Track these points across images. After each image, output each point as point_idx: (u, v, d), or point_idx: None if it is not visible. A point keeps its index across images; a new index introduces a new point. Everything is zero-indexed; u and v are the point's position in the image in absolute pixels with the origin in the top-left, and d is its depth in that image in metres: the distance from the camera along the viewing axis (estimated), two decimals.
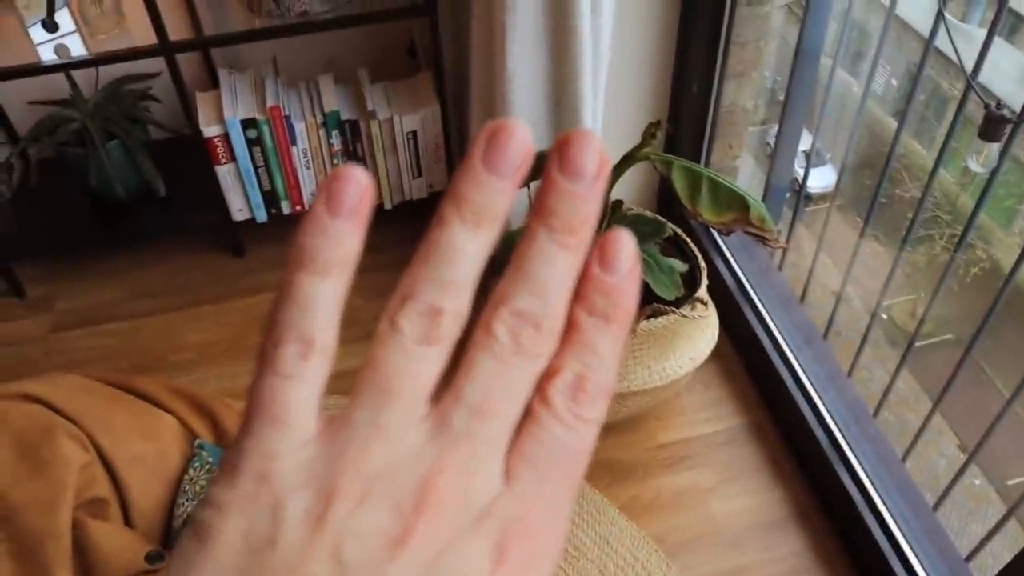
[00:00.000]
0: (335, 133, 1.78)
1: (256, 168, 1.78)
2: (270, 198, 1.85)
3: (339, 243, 0.20)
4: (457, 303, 0.20)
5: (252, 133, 1.73)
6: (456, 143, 1.88)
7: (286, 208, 1.88)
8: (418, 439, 0.19)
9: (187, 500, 1.16)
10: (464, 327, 0.20)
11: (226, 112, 1.71)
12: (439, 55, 1.72)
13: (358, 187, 0.20)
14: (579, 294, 0.20)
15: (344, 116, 1.76)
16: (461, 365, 0.20)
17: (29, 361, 1.82)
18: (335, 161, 1.82)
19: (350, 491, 0.18)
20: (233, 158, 1.76)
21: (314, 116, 1.76)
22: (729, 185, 1.31)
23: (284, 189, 1.84)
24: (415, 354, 0.19)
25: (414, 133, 1.79)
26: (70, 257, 2.06)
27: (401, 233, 2.00)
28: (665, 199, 1.93)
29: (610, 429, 1.58)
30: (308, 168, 1.82)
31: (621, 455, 1.55)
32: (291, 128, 1.75)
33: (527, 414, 0.20)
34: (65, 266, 2.04)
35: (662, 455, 1.56)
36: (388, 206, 1.89)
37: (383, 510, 0.18)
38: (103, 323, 1.89)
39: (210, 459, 1.19)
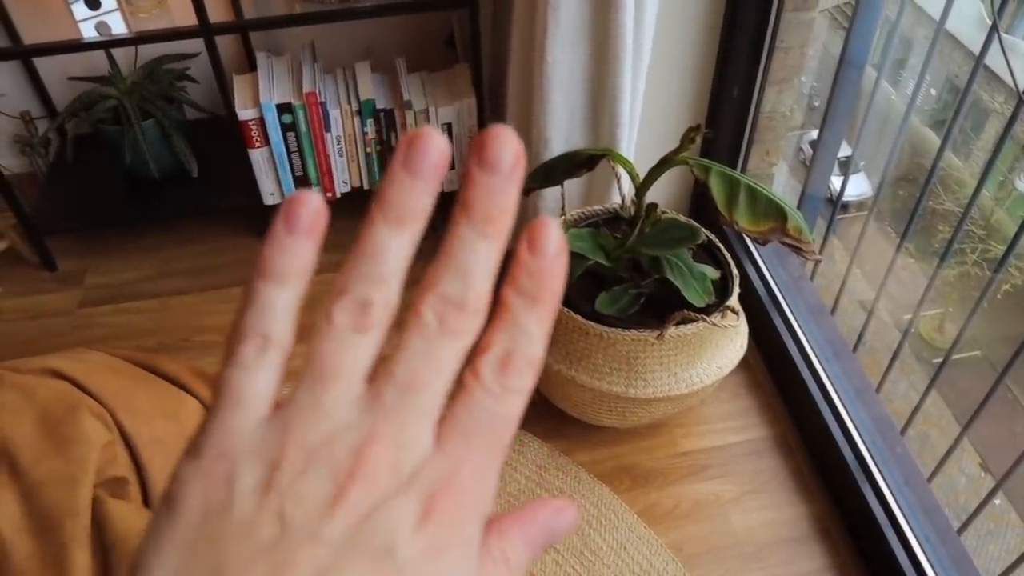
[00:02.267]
0: (370, 121, 1.77)
1: (289, 153, 1.78)
2: (302, 184, 1.84)
3: (294, 257, 0.22)
4: (385, 295, 0.22)
5: (287, 118, 1.72)
6: None
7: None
8: (354, 414, 0.21)
9: None
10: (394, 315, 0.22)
11: (262, 96, 1.71)
12: (478, 47, 1.71)
13: (311, 210, 0.22)
14: (509, 277, 0.22)
15: (380, 105, 1.75)
16: (393, 347, 0.22)
17: (57, 334, 1.83)
18: (368, 149, 1.82)
19: (293, 461, 0.20)
20: (267, 142, 1.76)
21: (349, 103, 1.75)
22: (767, 194, 1.29)
23: (316, 175, 1.83)
24: (349, 341, 0.21)
25: (449, 125, 1.78)
26: (101, 233, 2.07)
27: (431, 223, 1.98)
28: (698, 204, 1.90)
29: (632, 434, 1.56)
30: (341, 155, 1.81)
31: (642, 460, 1.54)
32: (326, 115, 1.74)
33: (458, 385, 0.22)
34: (96, 242, 2.05)
35: (684, 463, 1.54)
36: None
37: (320, 477, 0.20)
38: (131, 300, 1.90)
39: None
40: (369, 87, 1.77)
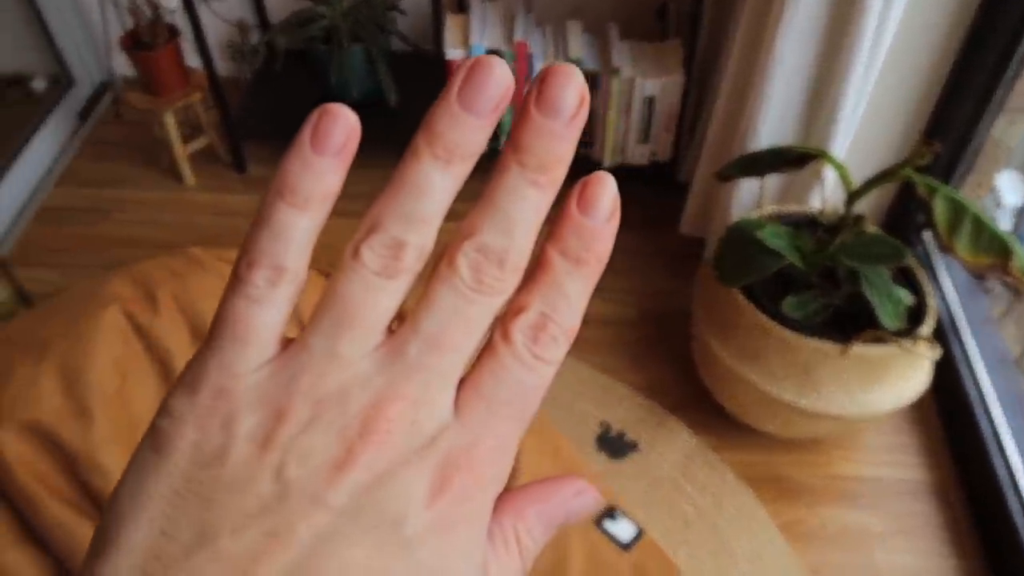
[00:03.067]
0: None
1: None
2: (496, 131, 1.85)
3: (320, 179, 0.20)
4: (421, 238, 0.20)
5: None
6: (690, 118, 1.82)
7: (502, 144, 1.87)
8: (371, 367, 0.19)
9: None
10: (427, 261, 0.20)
11: (472, 38, 1.72)
12: (696, 25, 1.66)
13: (345, 126, 0.20)
14: (554, 234, 0.20)
15: (586, 66, 1.73)
16: (421, 297, 0.20)
17: (239, 233, 1.91)
18: None
19: (299, 413, 0.18)
20: None
21: (556, 59, 1.73)
22: (993, 227, 1.20)
23: (508, 125, 1.83)
24: (375, 285, 0.19)
25: (652, 99, 1.74)
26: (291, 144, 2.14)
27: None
28: (897, 219, 1.80)
29: (788, 445, 1.51)
30: None
31: (793, 474, 1.48)
32: (531, 67, 1.73)
33: (486, 348, 0.20)
34: (285, 150, 2.12)
35: (835, 486, 1.48)
36: (606, 164, 1.86)
37: (329, 434, 0.18)
38: None
39: None
40: (578, 47, 1.75)
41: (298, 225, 0.19)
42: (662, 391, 1.60)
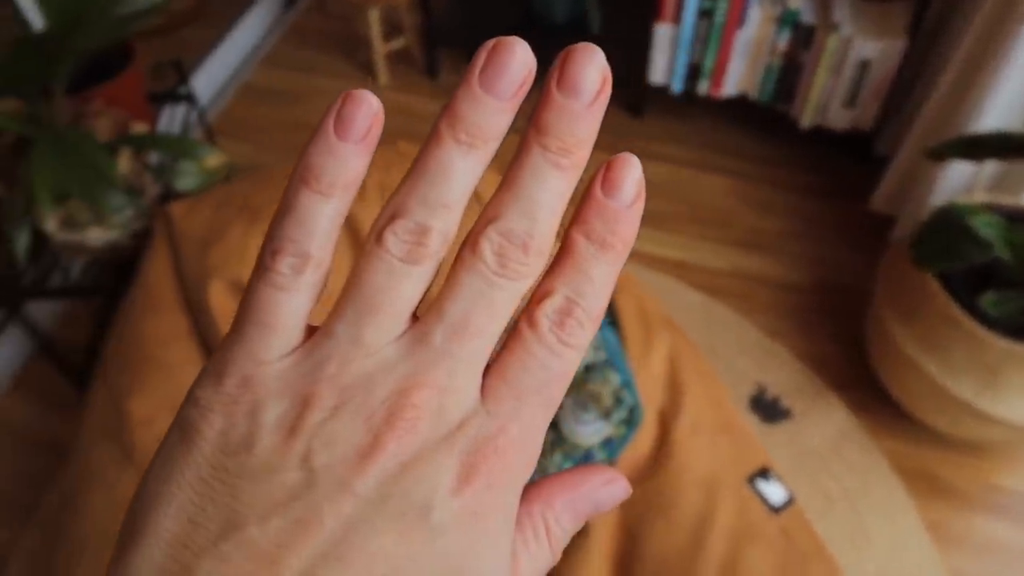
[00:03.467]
0: (786, 32, 1.68)
1: (695, 38, 1.74)
2: (693, 72, 1.81)
3: (344, 165, 0.19)
4: (445, 223, 0.19)
5: (707, 3, 1.68)
6: (902, 90, 1.72)
7: (703, 88, 1.83)
8: (397, 354, 0.19)
9: None
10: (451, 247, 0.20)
11: None
12: None
13: (369, 112, 0.19)
14: (578, 216, 0.20)
15: (803, 18, 1.65)
16: (445, 282, 0.19)
17: (421, 137, 1.95)
18: (771, 60, 1.73)
19: (325, 401, 0.18)
20: (677, 21, 1.72)
21: (773, 7, 1.67)
22: None
23: (711, 68, 1.78)
24: (399, 271, 0.19)
25: (867, 62, 1.65)
26: None
27: (792, 154, 1.92)
28: None
29: (949, 444, 1.45)
30: (743, 57, 1.75)
31: (948, 475, 1.42)
32: (745, 11, 1.67)
33: (512, 333, 0.20)
34: None
35: (990, 496, 1.41)
36: (804, 124, 1.79)
37: (355, 421, 0.18)
38: None
39: None
40: None
41: (323, 212, 0.19)
42: (825, 364, 1.56)
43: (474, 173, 0.19)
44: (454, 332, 0.19)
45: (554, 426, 1.09)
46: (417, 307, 0.20)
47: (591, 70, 0.19)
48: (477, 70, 0.19)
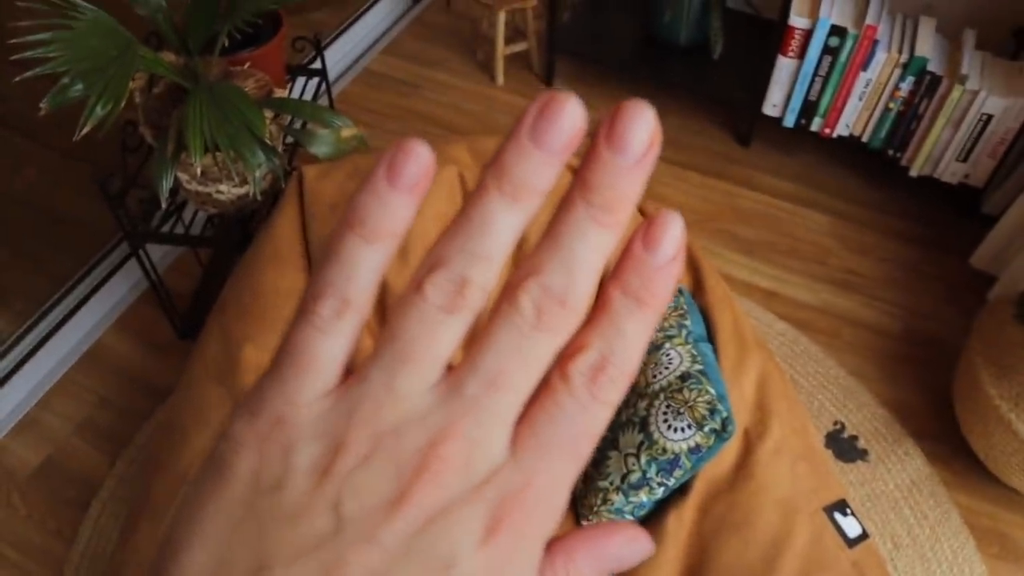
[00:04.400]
0: (910, 79, 1.69)
1: (815, 75, 1.76)
2: (808, 109, 1.82)
3: (391, 213, 0.19)
4: (485, 276, 0.19)
5: (835, 41, 1.69)
6: (1021, 151, 1.71)
7: (816, 125, 1.84)
8: (430, 404, 0.19)
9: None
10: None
11: (823, 11, 1.69)
12: None
13: (419, 163, 0.19)
14: (616, 272, 0.19)
15: (930, 67, 1.66)
16: (481, 333, 0.19)
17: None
18: (890, 105, 1.74)
19: (357, 447, 0.18)
20: (802, 56, 1.74)
21: (900, 52, 1.67)
22: None
23: (827, 107, 1.80)
24: (437, 321, 0.19)
25: (989, 118, 1.65)
26: (601, 71, 2.20)
27: (896, 202, 1.91)
28: None
29: None
30: (860, 99, 1.76)
31: (1022, 538, 1.41)
32: (872, 53, 1.68)
33: (543, 387, 0.19)
34: (593, 77, 2.20)
35: None
36: (913, 173, 1.79)
37: (385, 470, 0.18)
38: None
39: (684, 305, 1.26)
40: (927, 45, 1.67)
41: (366, 258, 0.20)
42: (906, 412, 1.55)
43: (516, 227, 0.19)
44: (487, 384, 0.19)
45: (643, 429, 1.12)
46: (453, 357, 0.20)
47: (641, 128, 0.19)
48: (528, 123, 0.19)
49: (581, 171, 0.19)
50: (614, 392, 0.19)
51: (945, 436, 1.50)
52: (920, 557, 1.38)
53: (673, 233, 0.19)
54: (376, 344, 0.20)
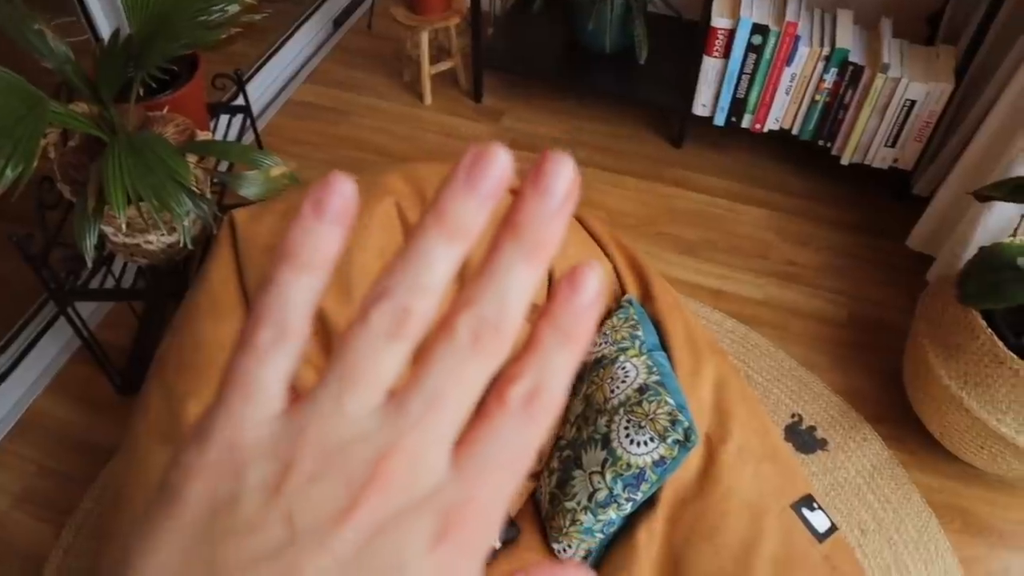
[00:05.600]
0: (833, 71, 1.71)
1: (742, 73, 1.78)
2: (737, 106, 1.84)
3: (320, 245, 0.21)
4: (425, 306, 0.21)
5: (757, 39, 1.71)
6: (944, 132, 1.75)
7: (746, 122, 1.86)
8: (375, 423, 0.20)
9: (606, 343, 1.23)
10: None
11: (743, 10, 1.70)
12: (982, 36, 1.59)
13: (342, 196, 0.21)
14: (546, 311, 0.21)
15: (852, 58, 1.69)
16: (421, 358, 0.21)
17: (460, 156, 1.99)
18: (816, 97, 1.77)
19: (306, 464, 0.19)
20: (727, 55, 1.76)
21: (821, 46, 1.70)
22: None
23: (756, 103, 1.82)
24: (381, 346, 0.20)
25: (912, 103, 1.68)
26: (528, 84, 2.20)
27: (830, 190, 1.95)
28: None
29: (983, 480, 1.46)
30: (787, 93, 1.78)
31: (981, 511, 1.43)
32: (795, 49, 1.71)
33: (481, 410, 0.21)
34: (521, 90, 2.19)
35: None
36: (845, 161, 1.82)
37: (334, 484, 0.19)
38: (536, 152, 2.01)
39: (635, 316, 1.25)
40: (848, 37, 1.71)
41: (300, 287, 0.21)
42: (860, 397, 1.57)
43: (453, 262, 0.21)
44: (429, 404, 0.20)
45: (606, 446, 1.10)
46: (395, 382, 0.21)
47: (563, 176, 0.21)
48: (463, 171, 0.21)
49: (510, 215, 0.21)
50: (545, 417, 0.21)
51: (900, 418, 1.52)
52: (887, 540, 1.39)
53: (594, 280, 0.21)
54: (325, 367, 0.21)
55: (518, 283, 0.21)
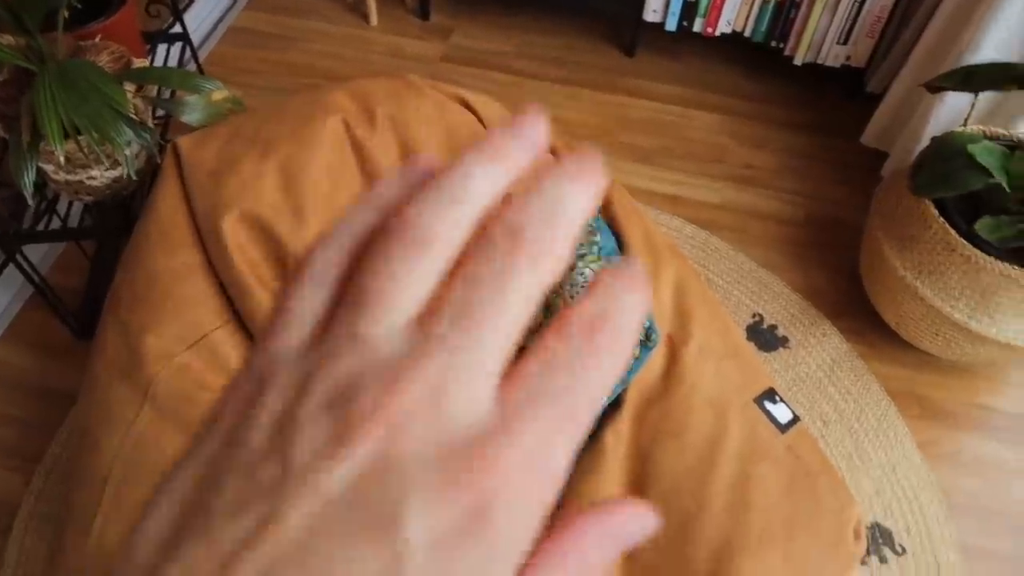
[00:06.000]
0: None
1: None
2: (688, 10, 1.81)
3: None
4: (457, 215, 0.19)
5: None
6: (896, 27, 1.74)
7: (698, 26, 1.84)
8: (393, 348, 0.17)
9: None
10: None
11: None
12: None
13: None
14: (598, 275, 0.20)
15: None
16: (453, 273, 0.18)
17: None
18: None
19: (317, 395, 0.17)
20: None
21: None
22: None
23: (707, 6, 1.79)
24: (402, 262, 0.18)
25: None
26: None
27: (784, 92, 1.94)
28: None
29: (937, 366, 1.50)
30: None
31: (937, 396, 1.48)
32: None
33: (534, 345, 0.18)
34: (469, 6, 2.13)
35: (979, 415, 1.47)
36: (798, 61, 1.80)
37: (337, 420, 0.17)
38: (487, 69, 1.98)
39: (592, 223, 1.25)
40: None
41: (345, 229, 0.20)
42: (819, 294, 1.60)
43: (494, 182, 0.19)
44: (456, 323, 0.17)
45: None
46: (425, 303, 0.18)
47: (536, 124, 0.20)
48: (504, 123, 0.20)
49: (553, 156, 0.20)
50: (614, 353, 0.18)
51: (858, 312, 1.55)
52: (848, 430, 1.43)
53: (640, 274, 0.19)
54: (344, 293, 0.19)
55: (568, 194, 0.18)
